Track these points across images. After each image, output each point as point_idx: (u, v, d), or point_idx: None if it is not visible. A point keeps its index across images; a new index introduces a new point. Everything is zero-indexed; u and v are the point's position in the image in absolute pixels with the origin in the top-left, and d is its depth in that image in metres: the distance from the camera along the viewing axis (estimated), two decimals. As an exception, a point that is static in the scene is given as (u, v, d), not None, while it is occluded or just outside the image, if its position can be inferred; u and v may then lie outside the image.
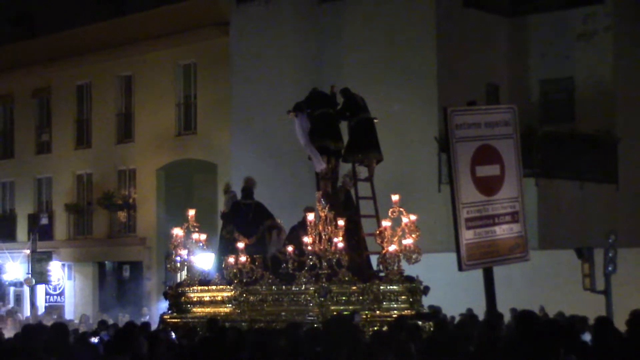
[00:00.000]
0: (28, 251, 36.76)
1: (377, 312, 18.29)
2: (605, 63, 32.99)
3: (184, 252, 19.91)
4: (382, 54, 32.85)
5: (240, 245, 19.11)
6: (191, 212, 20.28)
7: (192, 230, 20.04)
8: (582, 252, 24.25)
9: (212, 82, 34.95)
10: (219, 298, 19.69)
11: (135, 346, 12.42)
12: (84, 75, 39.34)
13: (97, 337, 18.44)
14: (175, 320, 19.85)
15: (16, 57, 41.13)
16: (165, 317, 20.29)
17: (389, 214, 18.97)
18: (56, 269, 38.34)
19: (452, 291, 25.89)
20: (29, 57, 40.53)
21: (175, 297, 20.34)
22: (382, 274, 19.04)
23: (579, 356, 9.59)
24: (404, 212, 18.90)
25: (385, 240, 18.81)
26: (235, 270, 19.00)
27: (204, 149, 35.24)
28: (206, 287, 20.01)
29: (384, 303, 18.63)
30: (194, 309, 20.04)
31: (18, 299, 40.58)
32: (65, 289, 39.49)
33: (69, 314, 37.53)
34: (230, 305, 19.36)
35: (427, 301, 26.57)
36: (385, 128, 33.04)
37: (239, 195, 21.15)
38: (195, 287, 20.11)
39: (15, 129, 42.35)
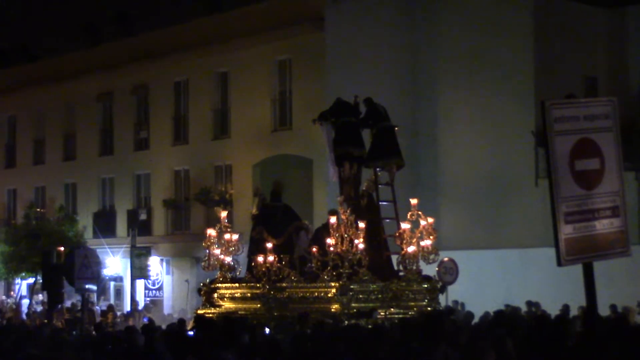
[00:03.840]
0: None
1: (396, 309, 19.21)
2: None
3: (217, 252, 21.16)
4: (478, 47, 32.62)
5: (269, 245, 20.25)
6: (223, 214, 21.95)
7: (224, 230, 21.37)
8: (685, 246, 23.73)
9: (307, 78, 35.07)
10: (249, 295, 20.70)
11: (240, 341, 12.56)
12: (181, 72, 39.82)
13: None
14: (208, 315, 20.75)
15: (116, 56, 41.81)
16: (200, 312, 21.37)
17: (408, 217, 20.08)
18: (155, 264, 38.89)
19: (550, 286, 25.64)
20: (128, 55, 41.17)
21: (209, 293, 21.44)
22: (401, 274, 20.06)
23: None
24: (421, 215, 20.00)
25: (405, 241, 19.87)
26: (263, 269, 20.04)
27: (300, 145, 35.35)
28: (237, 285, 21.08)
29: (403, 301, 19.60)
30: (225, 305, 21.05)
31: (118, 293, 41.24)
32: (163, 283, 40.02)
33: (168, 308, 38.04)
34: (258, 301, 20.32)
35: (526, 295, 26.40)
36: (481, 122, 32.94)
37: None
38: (226, 284, 21.16)
39: (115, 126, 43.01)
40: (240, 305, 20.74)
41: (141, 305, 36.49)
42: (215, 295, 21.34)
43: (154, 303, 38.02)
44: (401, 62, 34.57)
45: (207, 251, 21.38)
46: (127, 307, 36.77)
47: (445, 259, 27.98)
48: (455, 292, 27.39)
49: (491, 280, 29.64)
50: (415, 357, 11.62)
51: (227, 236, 21.36)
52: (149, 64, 40.31)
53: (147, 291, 40.29)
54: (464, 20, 33.30)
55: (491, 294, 27.68)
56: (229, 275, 21.29)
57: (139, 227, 38.75)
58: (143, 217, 39.98)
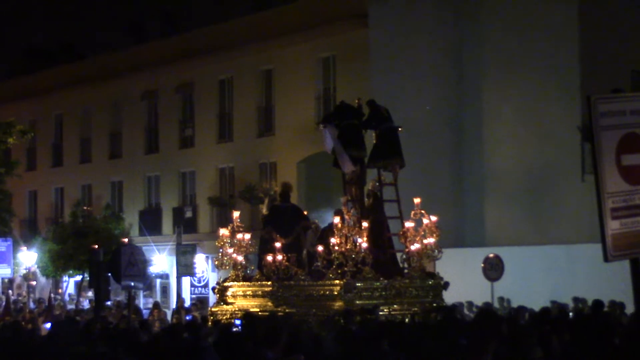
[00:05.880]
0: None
1: (399, 306, 19.73)
2: None
3: (230, 250, 21.91)
4: (524, 42, 32.46)
5: (278, 244, 20.91)
6: (236, 214, 22.75)
7: (237, 230, 22.16)
8: None
9: (351, 74, 35.01)
10: (259, 293, 21.40)
11: (283, 339, 12.54)
12: (225, 70, 39.93)
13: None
14: (221, 311, 21.70)
15: (161, 54, 42.01)
16: (214, 309, 22.24)
17: (412, 215, 20.65)
18: (200, 261, 39.00)
19: (597, 282, 25.44)
20: (172, 53, 41.35)
21: (222, 291, 22.24)
22: (406, 271, 20.70)
23: None
24: (425, 214, 20.56)
25: (409, 239, 20.49)
26: (272, 268, 20.73)
27: (344, 142, 35.29)
28: (247, 283, 21.85)
29: (406, 298, 20.08)
30: (237, 302, 21.78)
31: (164, 290, 41.44)
32: (209, 280, 40.14)
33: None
34: (268, 299, 20.96)
35: (573, 292, 26.22)
36: (527, 118, 32.76)
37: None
38: (238, 282, 21.93)
39: (160, 124, 43.20)
40: (251, 302, 21.43)
41: (187, 303, 36.65)
42: (228, 293, 22.07)
43: (200, 300, 38.15)
44: (446, 57, 34.45)
45: (221, 250, 22.10)
46: (173, 305, 36.92)
47: (491, 255, 27.87)
48: (500, 288, 27.27)
49: (537, 276, 29.47)
50: (462, 354, 11.55)
51: (239, 235, 22.12)
52: (193, 62, 40.45)
53: (192, 288, 40.42)
54: (509, 15, 33.12)
55: (537, 290, 27.52)
56: (241, 273, 22.01)
57: (185, 224, 38.87)
58: (188, 214, 40.13)
